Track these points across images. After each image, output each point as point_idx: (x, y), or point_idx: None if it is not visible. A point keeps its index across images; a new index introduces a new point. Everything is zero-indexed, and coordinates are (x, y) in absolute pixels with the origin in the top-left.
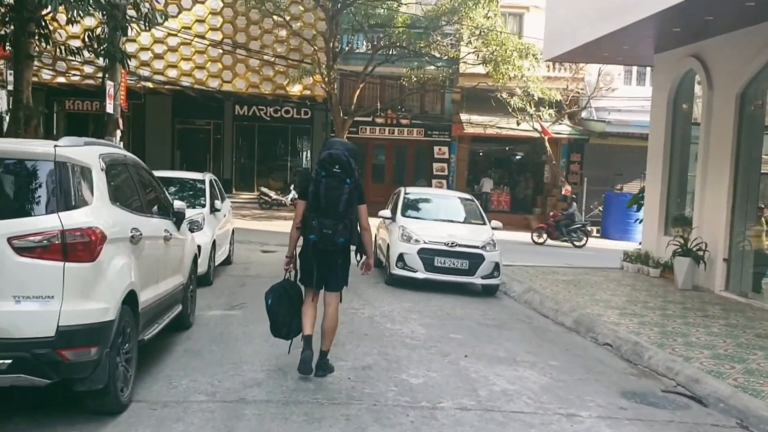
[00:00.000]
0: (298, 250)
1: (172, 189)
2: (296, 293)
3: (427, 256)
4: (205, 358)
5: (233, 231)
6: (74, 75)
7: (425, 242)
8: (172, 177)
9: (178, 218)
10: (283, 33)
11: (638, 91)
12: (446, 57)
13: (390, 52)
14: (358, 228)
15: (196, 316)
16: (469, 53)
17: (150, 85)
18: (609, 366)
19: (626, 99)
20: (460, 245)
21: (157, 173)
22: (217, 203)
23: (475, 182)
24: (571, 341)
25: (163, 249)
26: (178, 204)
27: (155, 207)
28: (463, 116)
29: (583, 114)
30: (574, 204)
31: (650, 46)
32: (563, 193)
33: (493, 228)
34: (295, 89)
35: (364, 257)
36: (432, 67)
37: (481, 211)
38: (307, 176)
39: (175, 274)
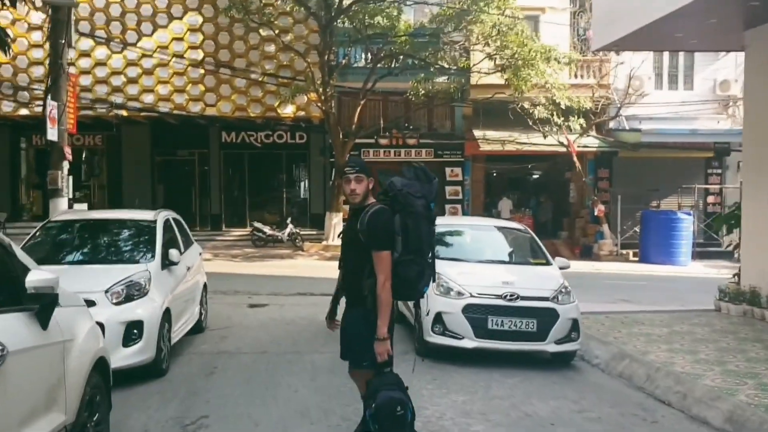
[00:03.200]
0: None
1: (110, 238)
2: None
3: (477, 315)
4: None
5: (205, 285)
6: (38, 106)
7: (472, 295)
8: (106, 219)
9: (43, 306)
10: (272, 48)
11: (671, 96)
12: (455, 68)
13: (392, 64)
14: None
15: None
16: (483, 59)
17: (124, 113)
18: None
19: (660, 105)
20: (523, 297)
21: (83, 215)
22: (173, 254)
23: (493, 206)
24: None
25: None
26: (34, 278)
27: None
28: (477, 132)
29: (611, 124)
30: None
31: (741, 19)
32: (596, 213)
33: (561, 268)
34: (288, 110)
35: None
36: (441, 79)
37: (540, 245)
38: (388, 217)
39: (35, 418)
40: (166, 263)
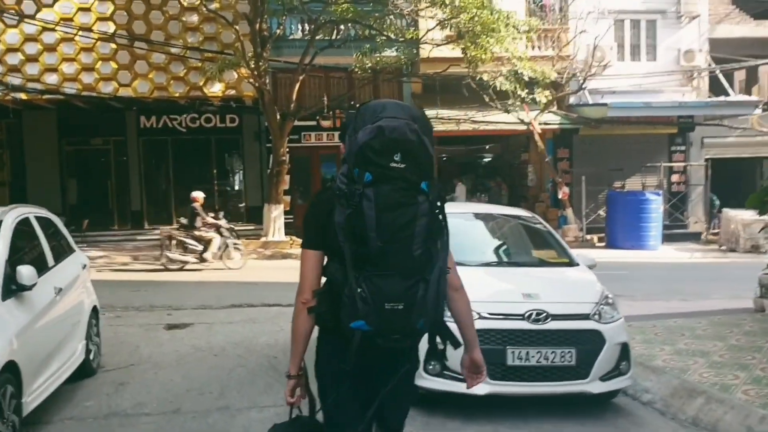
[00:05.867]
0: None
1: None
2: None
3: (492, 346)
4: None
5: (95, 309)
6: None
7: (482, 316)
8: None
9: None
10: (195, 18)
11: (634, 68)
12: (403, 39)
13: (333, 35)
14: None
15: None
16: (434, 27)
17: (23, 96)
18: None
19: (622, 78)
20: (554, 316)
21: None
22: (24, 273)
23: (446, 192)
24: None
25: None
26: None
27: None
28: (429, 112)
29: (572, 99)
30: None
31: None
32: (560, 196)
33: (589, 267)
34: (216, 89)
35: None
36: (389, 52)
37: (559, 238)
38: (326, 195)
39: None
40: (12, 289)
